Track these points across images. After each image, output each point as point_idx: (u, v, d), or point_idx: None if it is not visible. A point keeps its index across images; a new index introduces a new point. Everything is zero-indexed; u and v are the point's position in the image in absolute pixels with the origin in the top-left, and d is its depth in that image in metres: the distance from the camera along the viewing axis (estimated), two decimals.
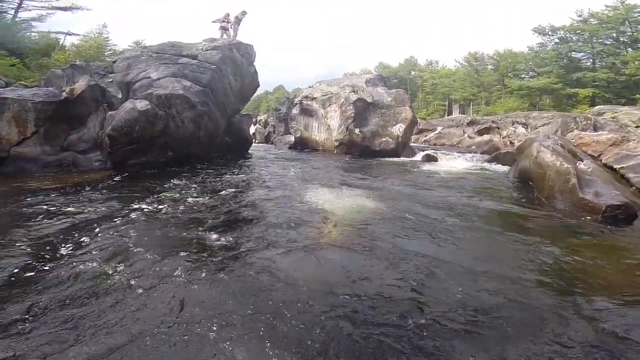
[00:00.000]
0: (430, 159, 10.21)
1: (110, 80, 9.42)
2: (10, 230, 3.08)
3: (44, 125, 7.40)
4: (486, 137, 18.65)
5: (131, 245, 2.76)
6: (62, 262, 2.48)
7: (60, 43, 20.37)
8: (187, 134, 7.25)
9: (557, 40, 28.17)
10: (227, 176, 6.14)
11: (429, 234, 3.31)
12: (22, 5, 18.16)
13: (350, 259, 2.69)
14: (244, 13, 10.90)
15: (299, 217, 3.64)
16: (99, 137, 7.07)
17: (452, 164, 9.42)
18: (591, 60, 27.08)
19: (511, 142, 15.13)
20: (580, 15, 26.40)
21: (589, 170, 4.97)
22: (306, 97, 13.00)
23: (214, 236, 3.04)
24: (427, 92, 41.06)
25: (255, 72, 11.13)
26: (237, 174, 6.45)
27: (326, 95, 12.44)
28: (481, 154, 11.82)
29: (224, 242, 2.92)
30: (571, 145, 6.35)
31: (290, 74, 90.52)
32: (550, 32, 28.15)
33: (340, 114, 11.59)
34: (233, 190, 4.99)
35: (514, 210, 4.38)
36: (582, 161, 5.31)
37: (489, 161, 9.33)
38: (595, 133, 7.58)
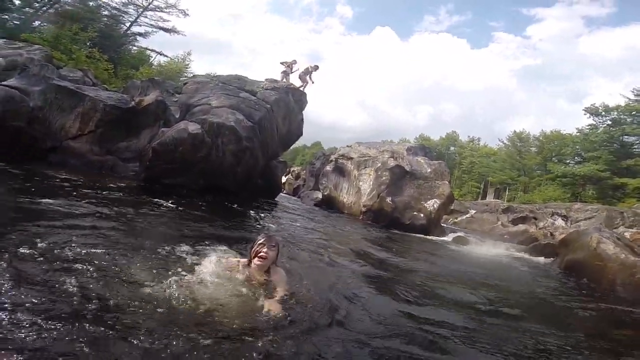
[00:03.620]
0: (462, 241, 9.52)
1: (176, 100, 10.30)
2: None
3: (103, 127, 7.97)
4: (521, 226, 17.66)
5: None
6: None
7: (151, 60, 23.68)
8: (226, 165, 7.34)
9: (609, 122, 25.94)
10: (246, 222, 5.64)
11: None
12: (137, 21, 21.47)
13: None
14: (316, 67, 11.53)
15: None
16: (144, 149, 7.40)
17: (487, 250, 8.94)
18: None
19: (551, 234, 14.21)
20: (638, 95, 24.20)
21: None
22: (342, 155, 13.03)
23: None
24: (463, 170, 39.67)
25: (302, 120, 11.47)
26: (260, 224, 5.86)
27: (363, 157, 12.43)
28: (517, 243, 11.35)
29: None
30: (627, 240, 6.42)
31: (330, 132, 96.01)
32: (603, 113, 26.06)
33: (374, 178, 11.35)
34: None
35: (583, 306, 4.09)
36: None
37: (526, 251, 9.14)
38: None
